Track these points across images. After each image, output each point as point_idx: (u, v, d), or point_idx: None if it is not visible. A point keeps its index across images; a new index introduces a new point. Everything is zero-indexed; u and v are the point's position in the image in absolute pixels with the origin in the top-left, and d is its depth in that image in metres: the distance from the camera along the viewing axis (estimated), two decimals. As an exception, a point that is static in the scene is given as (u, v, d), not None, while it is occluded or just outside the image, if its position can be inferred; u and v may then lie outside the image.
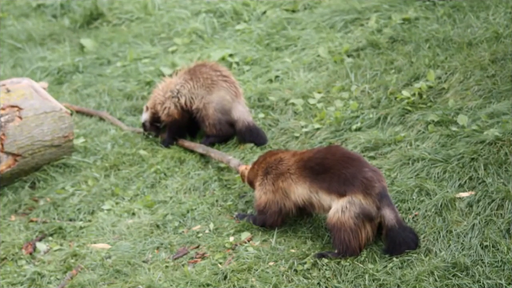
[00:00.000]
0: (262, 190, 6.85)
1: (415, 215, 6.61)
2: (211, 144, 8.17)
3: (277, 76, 8.81)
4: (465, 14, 8.55)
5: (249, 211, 7.20)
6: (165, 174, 7.94)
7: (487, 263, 6.03)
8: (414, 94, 7.80)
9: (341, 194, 6.39)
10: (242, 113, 8.15)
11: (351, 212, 6.34)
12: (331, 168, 6.47)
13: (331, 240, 6.52)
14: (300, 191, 6.63)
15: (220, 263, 6.54)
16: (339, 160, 6.49)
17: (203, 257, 6.75)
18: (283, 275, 6.29)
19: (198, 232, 7.05)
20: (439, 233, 6.37)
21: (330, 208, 6.47)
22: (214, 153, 7.93)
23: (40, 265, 7.07)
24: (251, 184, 7.12)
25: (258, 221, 6.93)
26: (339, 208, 6.39)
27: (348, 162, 6.46)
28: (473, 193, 6.60)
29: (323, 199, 6.51)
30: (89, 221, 7.56)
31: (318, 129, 7.89)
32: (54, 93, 9.30)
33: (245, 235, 6.86)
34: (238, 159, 7.77)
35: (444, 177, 6.81)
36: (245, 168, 7.25)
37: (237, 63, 9.20)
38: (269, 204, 6.82)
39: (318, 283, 6.20)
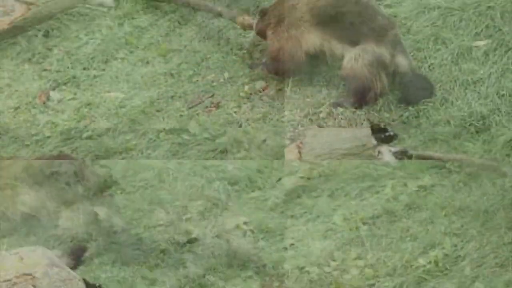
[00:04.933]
0: (275, 38, 6.65)
1: (431, 64, 6.54)
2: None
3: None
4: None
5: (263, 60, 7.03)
6: (179, 23, 7.58)
7: (504, 112, 6.05)
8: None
9: (354, 43, 6.31)
10: None
11: (365, 60, 6.23)
12: (344, 16, 6.30)
13: (345, 89, 6.49)
14: (312, 39, 6.49)
15: (235, 112, 6.57)
16: (352, 8, 6.33)
17: (217, 106, 6.69)
18: (298, 124, 6.48)
19: (212, 81, 6.94)
20: (455, 82, 6.31)
21: (342, 56, 6.37)
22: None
23: (54, 114, 6.99)
24: (262, 33, 6.86)
25: (271, 69, 6.76)
26: (352, 57, 6.29)
27: (361, 11, 6.31)
28: (489, 41, 6.47)
29: (336, 47, 6.43)
30: (103, 70, 7.34)
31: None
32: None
33: (260, 84, 6.74)
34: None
35: (460, 25, 6.65)
36: (248, 18, 6.98)
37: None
38: (282, 51, 6.65)
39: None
